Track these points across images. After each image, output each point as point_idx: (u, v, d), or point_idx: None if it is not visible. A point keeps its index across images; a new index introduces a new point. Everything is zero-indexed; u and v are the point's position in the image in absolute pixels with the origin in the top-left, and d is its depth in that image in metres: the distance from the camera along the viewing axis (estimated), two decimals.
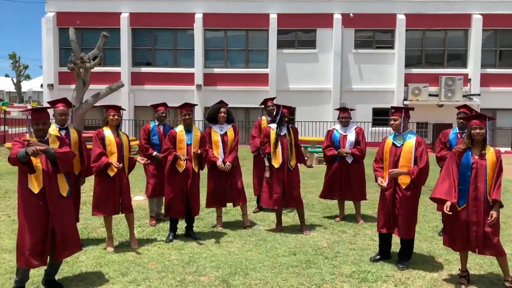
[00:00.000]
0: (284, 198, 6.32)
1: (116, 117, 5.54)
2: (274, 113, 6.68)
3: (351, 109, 7.21)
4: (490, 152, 4.41)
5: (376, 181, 5.24)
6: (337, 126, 7.15)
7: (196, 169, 6.01)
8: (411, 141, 5.02)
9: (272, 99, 7.53)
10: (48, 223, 4.12)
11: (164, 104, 7.03)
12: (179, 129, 6.03)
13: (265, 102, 7.46)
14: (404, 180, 4.99)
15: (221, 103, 6.77)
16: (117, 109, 5.65)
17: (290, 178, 6.30)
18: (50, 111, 4.75)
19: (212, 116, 6.57)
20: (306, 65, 19.99)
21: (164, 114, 6.91)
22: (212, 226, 6.72)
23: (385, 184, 5.09)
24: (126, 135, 5.80)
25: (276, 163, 6.26)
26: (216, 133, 6.52)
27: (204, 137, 6.16)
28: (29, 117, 4.24)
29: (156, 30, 20.62)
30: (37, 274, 4.59)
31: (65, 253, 4.32)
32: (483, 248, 4.41)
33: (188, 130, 6.01)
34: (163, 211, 6.69)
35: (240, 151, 6.88)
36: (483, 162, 4.37)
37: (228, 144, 6.48)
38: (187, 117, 5.96)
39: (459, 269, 4.75)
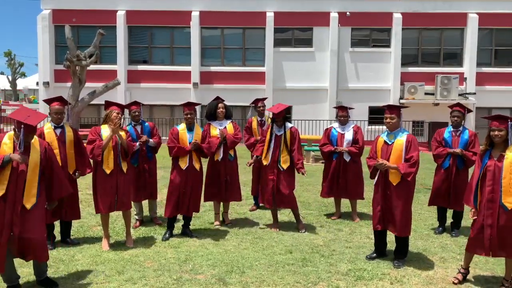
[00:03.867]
0: (274, 198, 6.30)
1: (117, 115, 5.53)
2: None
3: (350, 108, 7.24)
4: (511, 155, 4.26)
5: (372, 177, 5.23)
6: (335, 125, 7.16)
7: (198, 167, 6.01)
8: (402, 138, 5.03)
9: (263, 99, 7.58)
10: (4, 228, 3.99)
11: (136, 103, 6.66)
12: (181, 127, 6.04)
13: (256, 102, 7.52)
14: (394, 178, 4.99)
15: (218, 99, 6.79)
16: (119, 107, 5.65)
17: (280, 178, 6.25)
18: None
19: (211, 112, 6.60)
20: (303, 63, 19.99)
21: (137, 113, 6.55)
22: (209, 223, 6.73)
23: (385, 163, 4.96)
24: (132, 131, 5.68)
25: (265, 161, 6.33)
26: (215, 128, 6.53)
27: (206, 135, 6.17)
28: (19, 128, 4.05)
29: (152, 28, 20.55)
30: (32, 272, 4.56)
31: (30, 256, 4.17)
32: (497, 251, 4.34)
33: (190, 128, 6.02)
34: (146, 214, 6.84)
35: (238, 150, 6.88)
36: (499, 164, 4.29)
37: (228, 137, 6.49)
38: (189, 115, 5.97)
39: (461, 265, 4.77)
